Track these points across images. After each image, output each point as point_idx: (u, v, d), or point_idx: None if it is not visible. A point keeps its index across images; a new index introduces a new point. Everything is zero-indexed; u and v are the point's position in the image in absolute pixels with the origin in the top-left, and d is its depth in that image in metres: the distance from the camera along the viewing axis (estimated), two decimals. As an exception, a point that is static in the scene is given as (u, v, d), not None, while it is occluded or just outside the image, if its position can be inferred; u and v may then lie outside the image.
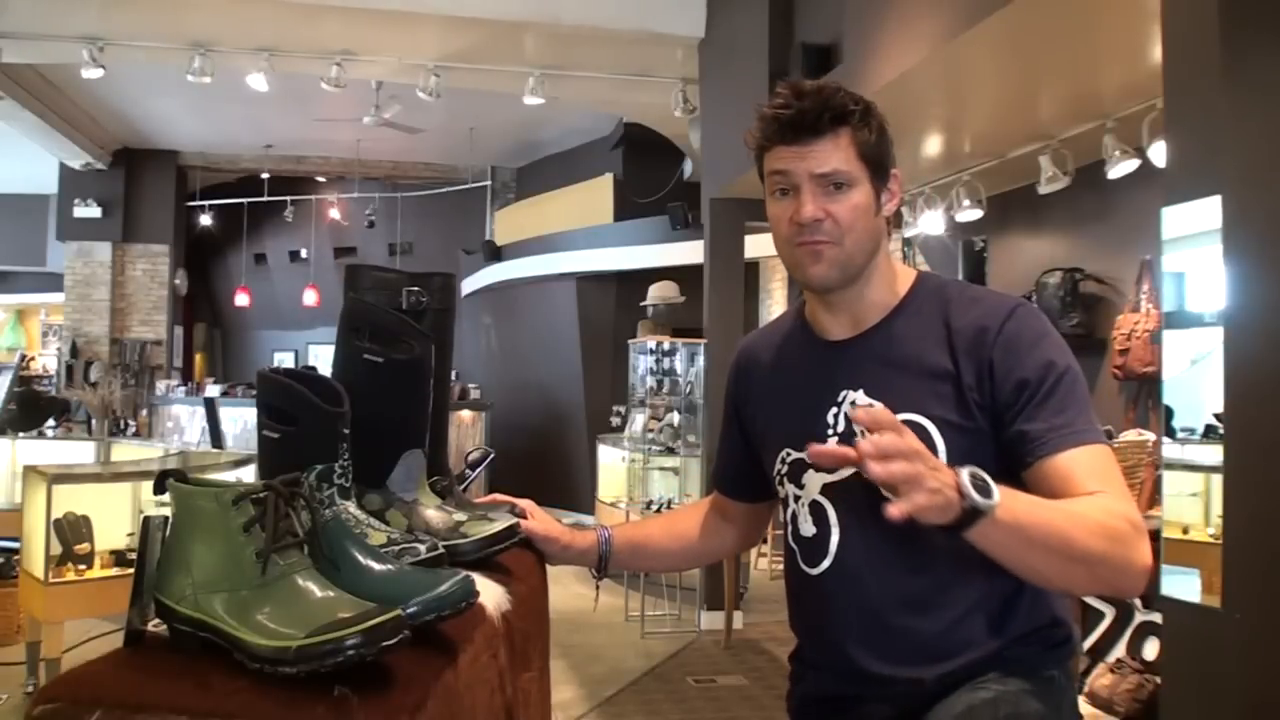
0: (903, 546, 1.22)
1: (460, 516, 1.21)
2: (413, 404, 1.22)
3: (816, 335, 1.35)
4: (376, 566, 0.95)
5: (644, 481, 6.53)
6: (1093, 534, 1.09)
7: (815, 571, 1.29)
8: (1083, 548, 1.08)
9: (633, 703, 4.47)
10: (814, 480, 1.29)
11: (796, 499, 1.32)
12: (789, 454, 1.33)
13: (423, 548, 1.07)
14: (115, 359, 10.99)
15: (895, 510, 1.00)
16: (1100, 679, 3.66)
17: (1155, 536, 2.21)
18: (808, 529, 1.30)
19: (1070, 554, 1.09)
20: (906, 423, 1.21)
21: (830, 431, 1.28)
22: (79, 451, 6.69)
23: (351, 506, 1.04)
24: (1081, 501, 1.12)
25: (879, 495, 1.20)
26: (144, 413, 10.23)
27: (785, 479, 1.34)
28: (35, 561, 3.96)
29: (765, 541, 6.69)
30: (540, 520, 1.40)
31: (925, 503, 1.00)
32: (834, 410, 1.29)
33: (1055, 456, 1.16)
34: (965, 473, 1.03)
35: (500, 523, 1.21)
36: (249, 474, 4.67)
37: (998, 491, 1.03)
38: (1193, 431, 2.18)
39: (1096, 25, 3.24)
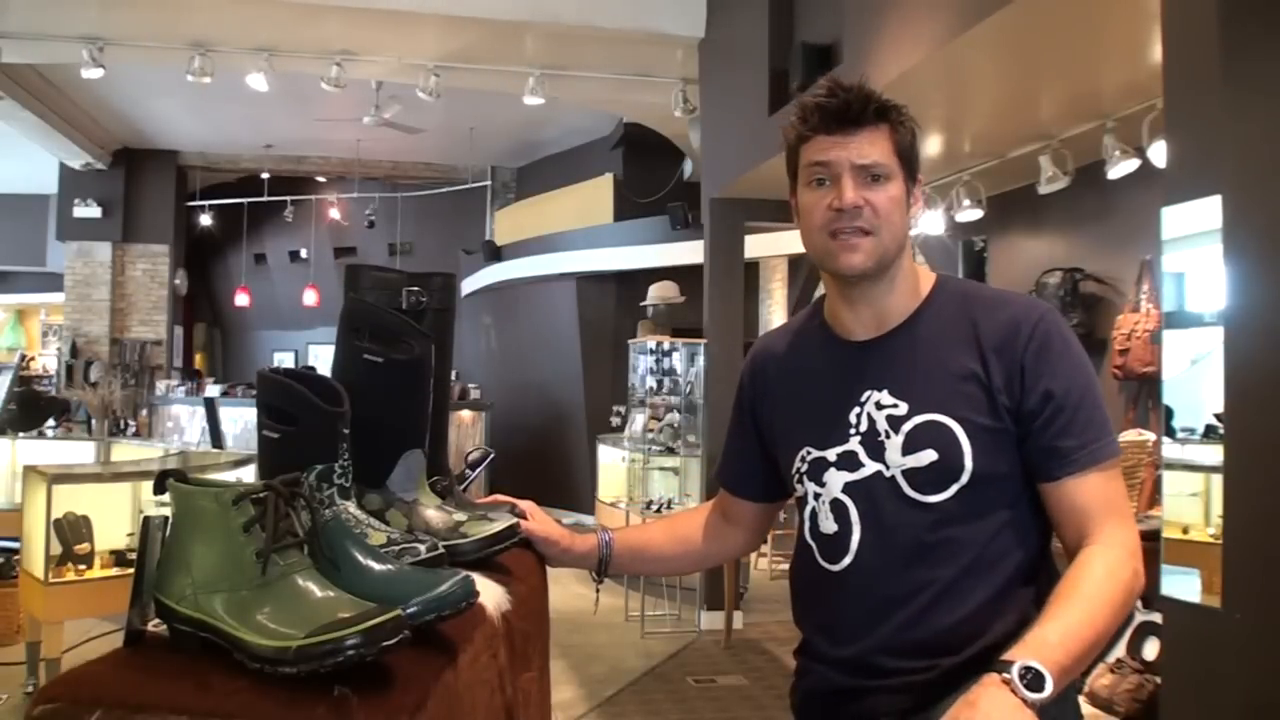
0: (923, 543, 1.24)
1: (460, 516, 1.21)
2: (413, 404, 1.22)
3: (838, 335, 1.36)
4: (376, 566, 0.95)
5: (644, 481, 6.53)
6: (1118, 604, 1.16)
7: (836, 568, 1.30)
8: (1115, 621, 1.16)
9: (633, 703, 4.47)
10: (836, 478, 1.30)
11: (817, 497, 1.32)
12: (809, 452, 1.33)
13: (423, 548, 1.07)
14: (115, 359, 11.00)
15: None
16: (1100, 679, 3.66)
17: (1155, 536, 2.23)
18: (829, 526, 1.31)
19: (1110, 630, 1.16)
20: (931, 423, 1.23)
21: (853, 431, 1.29)
22: (79, 451, 6.69)
23: (351, 506, 1.04)
24: (1097, 563, 1.17)
25: (900, 494, 1.24)
26: (144, 413, 10.23)
27: (805, 477, 1.34)
28: (35, 561, 3.96)
29: (765, 542, 6.69)
30: (541, 522, 1.40)
31: None
32: (856, 410, 1.29)
33: (1079, 476, 1.22)
34: (1020, 685, 1.03)
35: (500, 523, 1.21)
36: (249, 474, 4.67)
37: (1050, 677, 1.04)
38: (1193, 431, 2.18)
39: (1096, 25, 3.24)
